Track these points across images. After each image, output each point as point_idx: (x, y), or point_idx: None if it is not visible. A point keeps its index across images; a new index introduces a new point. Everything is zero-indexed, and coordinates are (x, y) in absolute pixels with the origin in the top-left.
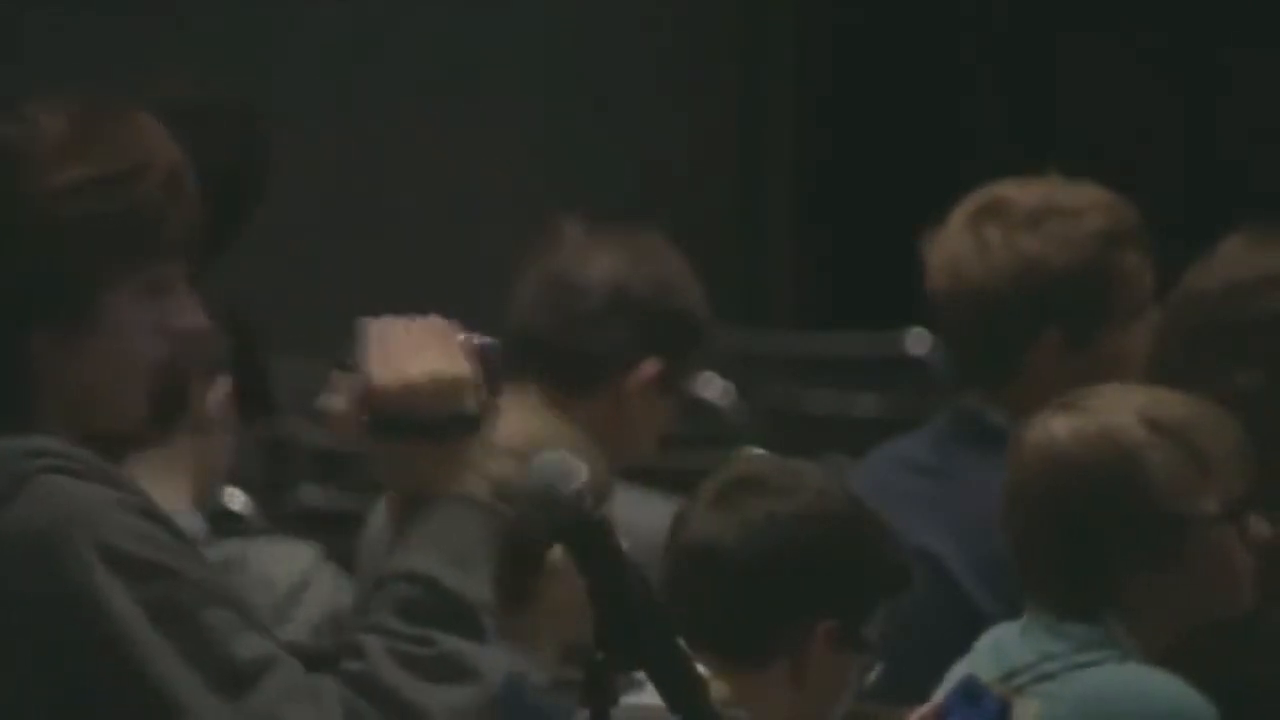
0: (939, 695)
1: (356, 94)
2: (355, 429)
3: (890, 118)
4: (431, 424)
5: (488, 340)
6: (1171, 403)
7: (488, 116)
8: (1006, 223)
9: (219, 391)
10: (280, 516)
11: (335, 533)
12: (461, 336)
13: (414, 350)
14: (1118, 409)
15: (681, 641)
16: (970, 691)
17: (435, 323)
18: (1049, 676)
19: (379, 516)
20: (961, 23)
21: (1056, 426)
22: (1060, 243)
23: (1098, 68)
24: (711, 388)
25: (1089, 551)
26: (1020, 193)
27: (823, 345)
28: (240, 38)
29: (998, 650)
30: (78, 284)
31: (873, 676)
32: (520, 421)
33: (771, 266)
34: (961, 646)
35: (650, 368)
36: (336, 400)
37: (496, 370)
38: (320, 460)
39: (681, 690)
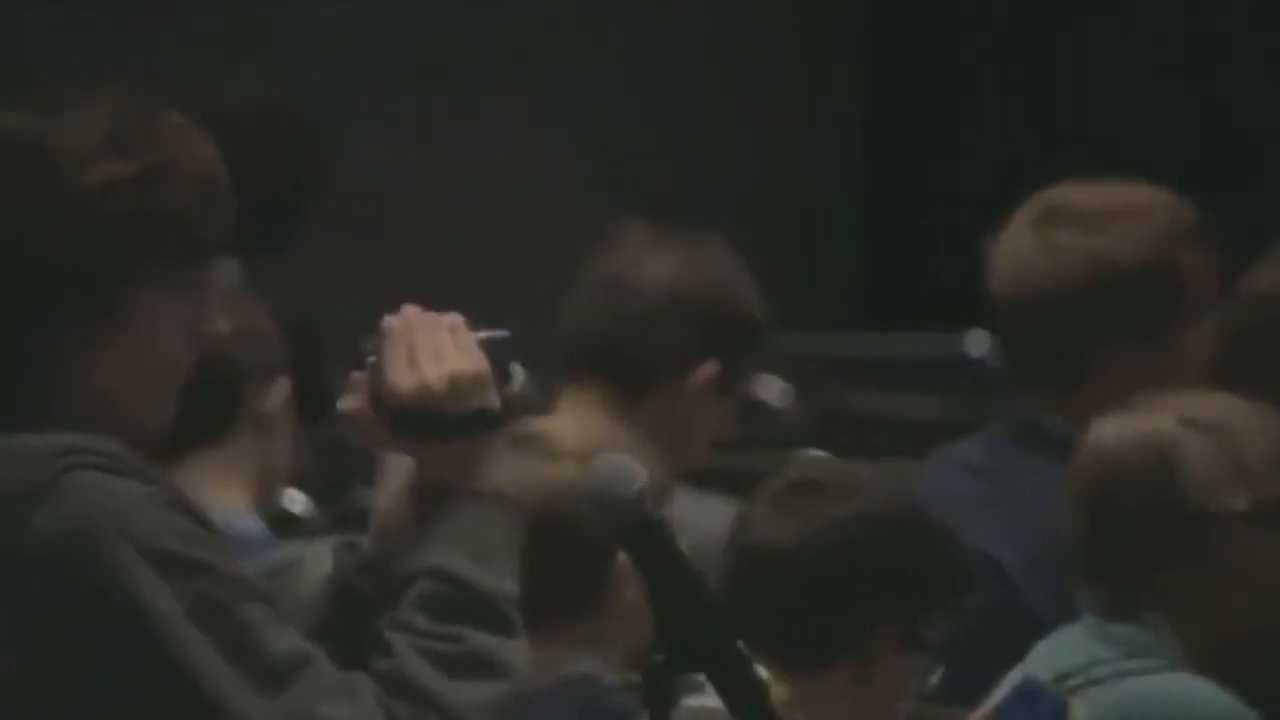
0: (996, 697)
1: (393, 96)
2: (372, 428)
3: (951, 119)
4: (450, 422)
5: (499, 334)
6: (1216, 404)
7: (537, 117)
8: (1075, 224)
9: (279, 393)
10: (339, 518)
11: None
12: (481, 334)
13: (432, 349)
14: (1163, 410)
15: (742, 644)
16: (1027, 692)
17: (451, 320)
18: (1097, 681)
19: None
20: (1024, 27)
21: (1107, 427)
22: (1133, 242)
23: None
24: (770, 390)
25: (1129, 549)
26: (1083, 195)
27: (881, 347)
28: (250, 37)
29: (1052, 653)
30: (108, 282)
31: (935, 679)
32: (580, 424)
33: (831, 268)
34: (1018, 649)
35: (708, 370)
36: (353, 400)
37: (508, 364)
38: (379, 461)
39: (742, 693)
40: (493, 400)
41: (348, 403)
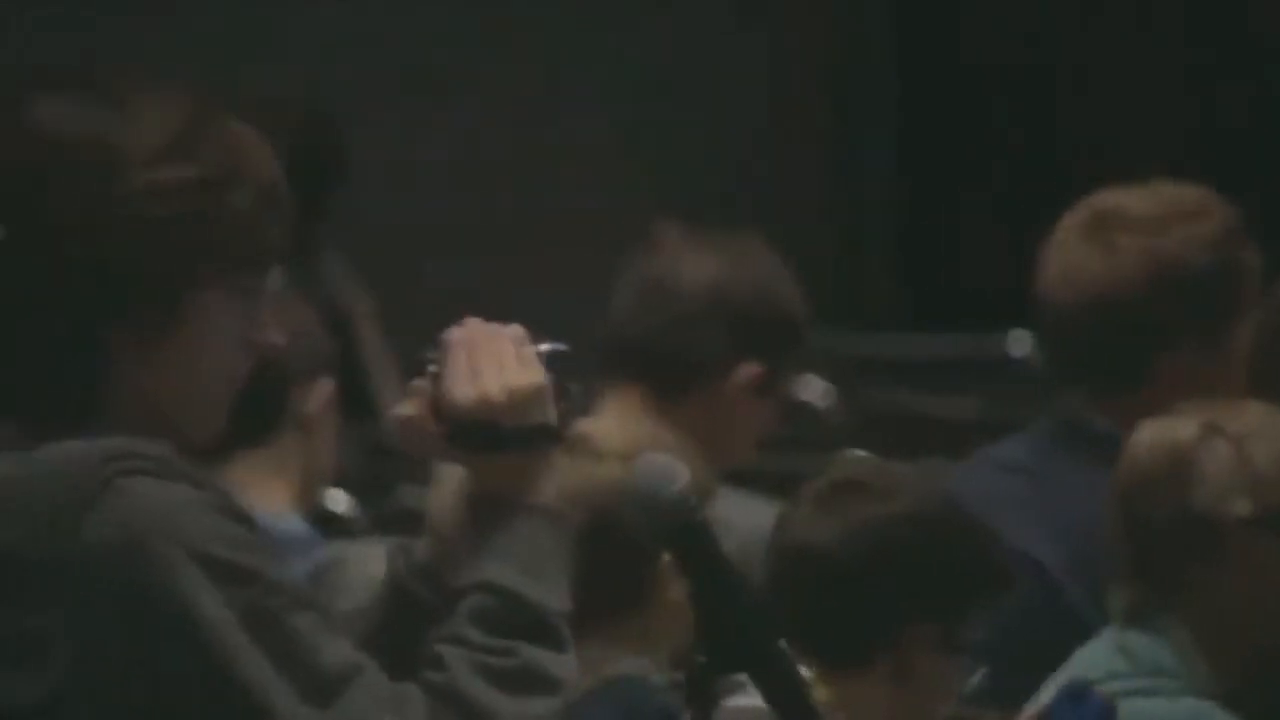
0: (1044, 697)
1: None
2: (426, 438)
3: (995, 118)
4: (508, 435)
5: (559, 347)
6: (1250, 413)
7: (571, 119)
8: (1133, 228)
9: (322, 393)
10: (382, 517)
11: None
12: (542, 346)
13: (492, 361)
14: (1192, 417)
15: (784, 643)
16: (1075, 694)
17: (513, 332)
18: (1113, 696)
19: None
20: (1069, 24)
21: (1142, 433)
22: (1195, 245)
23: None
24: (812, 390)
25: (1148, 554)
26: (1134, 198)
27: (923, 347)
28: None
29: (1076, 662)
30: (166, 284)
31: (976, 680)
32: (623, 425)
33: (872, 269)
34: (1060, 649)
35: (750, 370)
36: (410, 407)
37: (569, 378)
38: (422, 462)
39: (784, 692)
40: (551, 414)
41: (406, 410)
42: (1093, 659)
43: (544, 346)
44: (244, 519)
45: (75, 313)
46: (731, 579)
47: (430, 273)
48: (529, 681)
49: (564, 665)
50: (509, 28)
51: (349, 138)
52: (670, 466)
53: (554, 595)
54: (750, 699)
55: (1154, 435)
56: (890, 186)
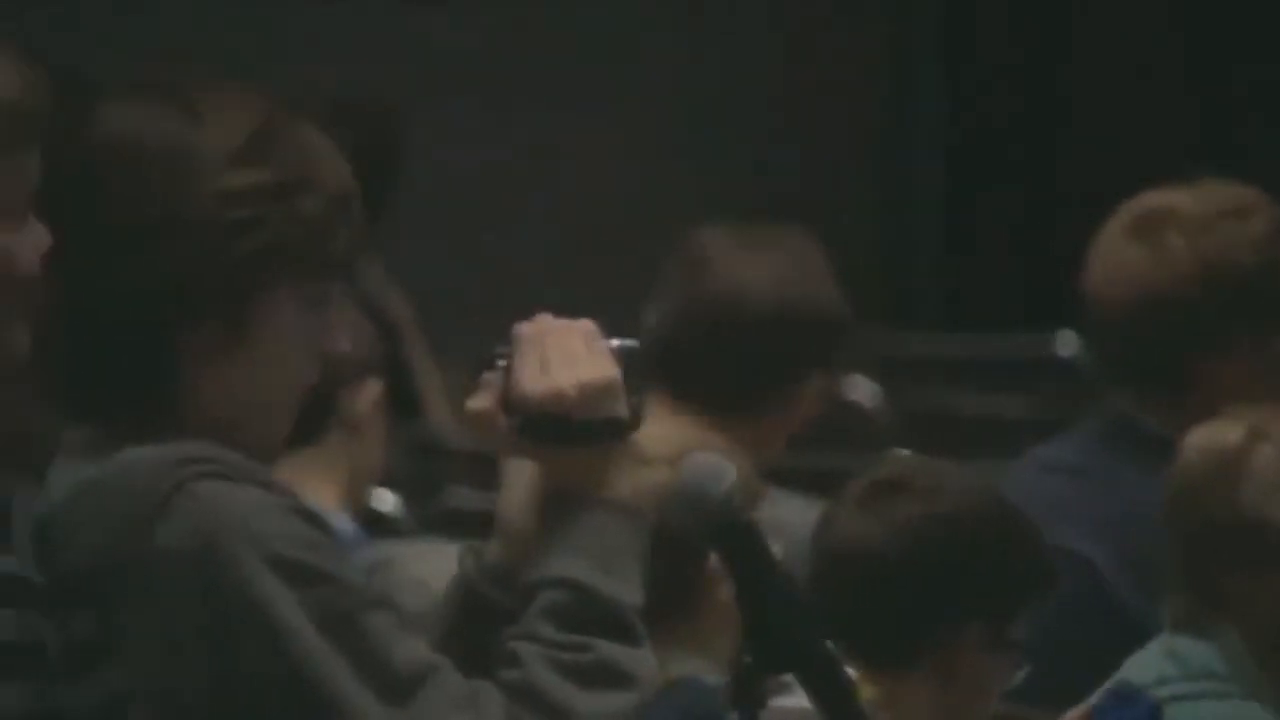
0: (1093, 698)
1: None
2: (499, 431)
3: (1040, 119)
4: (579, 430)
5: (630, 342)
6: None
7: (616, 120)
8: (1183, 227)
9: (370, 394)
10: (429, 518)
11: (485, 534)
12: (614, 342)
13: (564, 355)
14: (1240, 420)
15: (831, 644)
16: (1123, 694)
17: (584, 327)
18: (1163, 701)
19: None
20: (1108, 26)
21: (1193, 438)
22: (1244, 244)
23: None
24: (859, 390)
25: (1197, 559)
26: (1181, 198)
27: (970, 347)
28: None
29: (1129, 667)
30: (236, 289)
31: (1020, 676)
32: (670, 430)
33: (919, 268)
34: (1110, 648)
35: (817, 382)
36: (482, 401)
37: (639, 373)
38: (469, 461)
39: (831, 693)
40: (622, 409)
41: (477, 404)
42: (1143, 664)
43: (615, 342)
44: (315, 521)
45: (148, 318)
46: (778, 579)
47: (464, 273)
48: (604, 677)
49: (639, 660)
50: (639, 30)
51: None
52: (718, 466)
53: (628, 590)
54: (797, 699)
55: (1202, 441)
56: (937, 186)
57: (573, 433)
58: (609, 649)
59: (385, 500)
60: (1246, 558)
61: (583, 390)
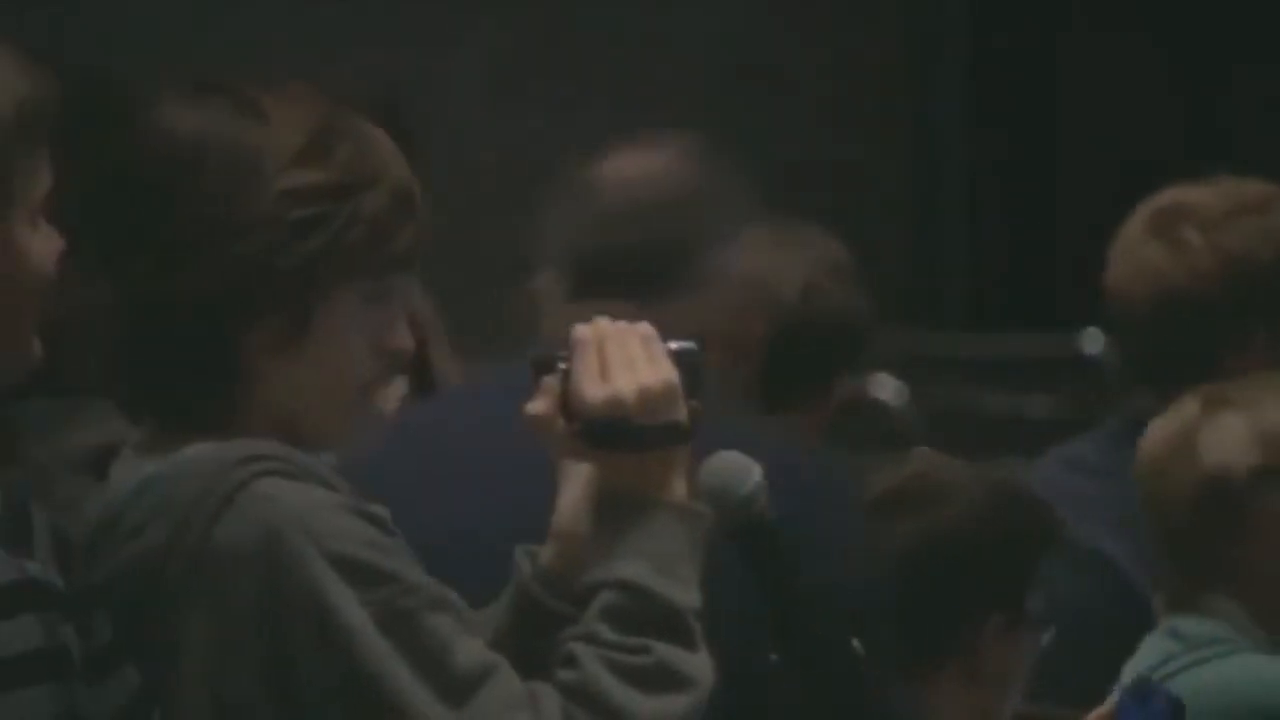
0: (1113, 697)
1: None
2: (556, 435)
3: (1065, 117)
4: (639, 435)
5: (690, 345)
6: (1259, 380)
7: (634, 117)
8: (1202, 224)
9: (395, 393)
10: None
11: None
12: (672, 344)
13: (622, 359)
14: (1194, 395)
15: (856, 643)
16: (1140, 691)
17: (644, 330)
18: (1171, 676)
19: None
20: (1136, 23)
21: (1151, 425)
22: (1262, 239)
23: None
24: (885, 389)
25: (1175, 536)
26: (1200, 194)
27: (995, 346)
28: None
29: (1134, 660)
30: (300, 288)
31: (1045, 640)
32: None
33: (944, 267)
34: (1133, 645)
35: (847, 386)
36: (541, 405)
37: (699, 376)
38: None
39: (855, 692)
40: (682, 412)
41: (536, 408)
42: (1147, 651)
43: (674, 344)
44: (377, 520)
45: (214, 318)
46: (802, 578)
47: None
48: (662, 679)
49: (697, 664)
50: (670, 30)
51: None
52: (742, 464)
53: (686, 592)
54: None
55: (1162, 421)
56: (963, 184)
57: (632, 437)
58: (667, 651)
59: None
60: (1222, 518)
61: (642, 394)
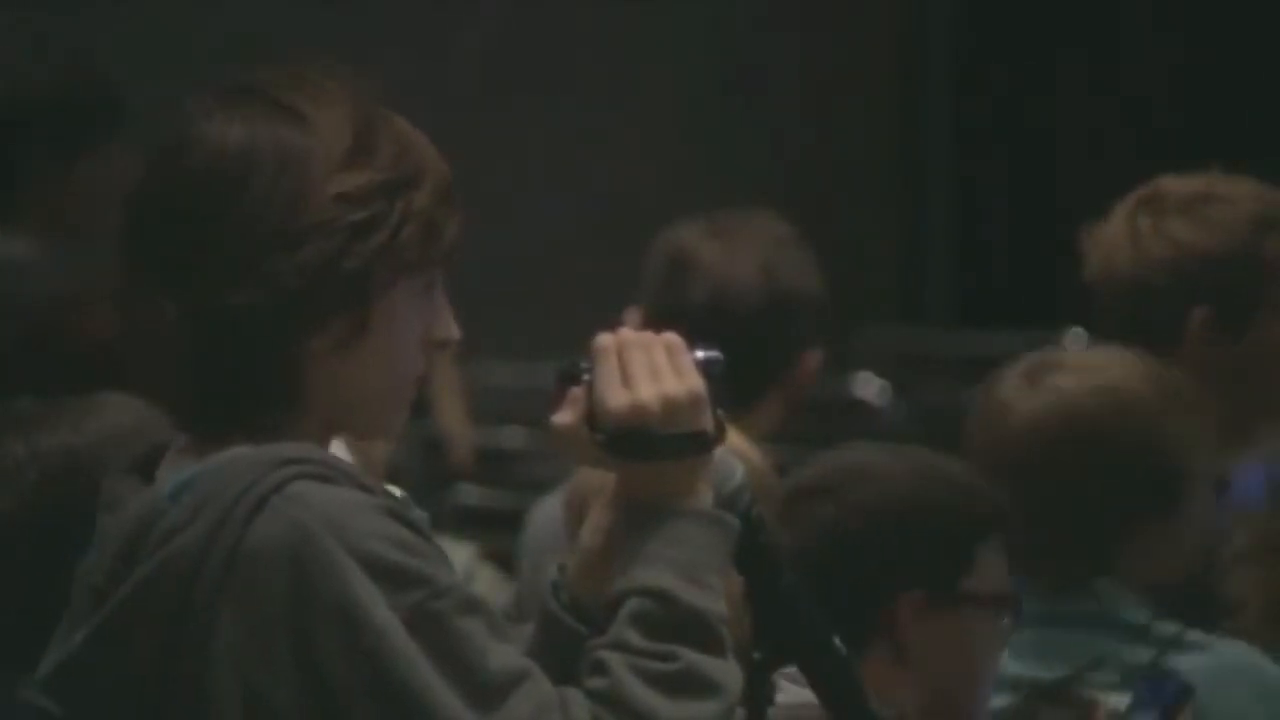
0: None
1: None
2: (581, 445)
3: (1052, 117)
4: (664, 445)
5: (713, 354)
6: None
7: (632, 115)
8: (1159, 212)
9: None
10: (438, 515)
11: (493, 531)
12: (696, 355)
13: (646, 368)
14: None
15: (838, 639)
16: (1155, 676)
17: (669, 340)
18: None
19: (541, 514)
20: (1126, 26)
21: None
22: (1210, 228)
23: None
24: (868, 387)
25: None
26: (1178, 183)
27: (981, 344)
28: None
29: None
30: (357, 288)
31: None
32: None
33: (930, 265)
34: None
35: (812, 359)
36: (566, 416)
37: (722, 385)
38: (477, 459)
39: (840, 689)
40: (707, 422)
41: (562, 419)
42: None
43: (699, 354)
44: (411, 523)
45: (275, 325)
46: (786, 575)
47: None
48: (691, 685)
49: (725, 671)
50: (662, 27)
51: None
52: (726, 462)
53: (713, 600)
54: (802, 692)
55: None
56: (950, 183)
57: (655, 447)
58: (695, 658)
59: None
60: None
61: (666, 403)
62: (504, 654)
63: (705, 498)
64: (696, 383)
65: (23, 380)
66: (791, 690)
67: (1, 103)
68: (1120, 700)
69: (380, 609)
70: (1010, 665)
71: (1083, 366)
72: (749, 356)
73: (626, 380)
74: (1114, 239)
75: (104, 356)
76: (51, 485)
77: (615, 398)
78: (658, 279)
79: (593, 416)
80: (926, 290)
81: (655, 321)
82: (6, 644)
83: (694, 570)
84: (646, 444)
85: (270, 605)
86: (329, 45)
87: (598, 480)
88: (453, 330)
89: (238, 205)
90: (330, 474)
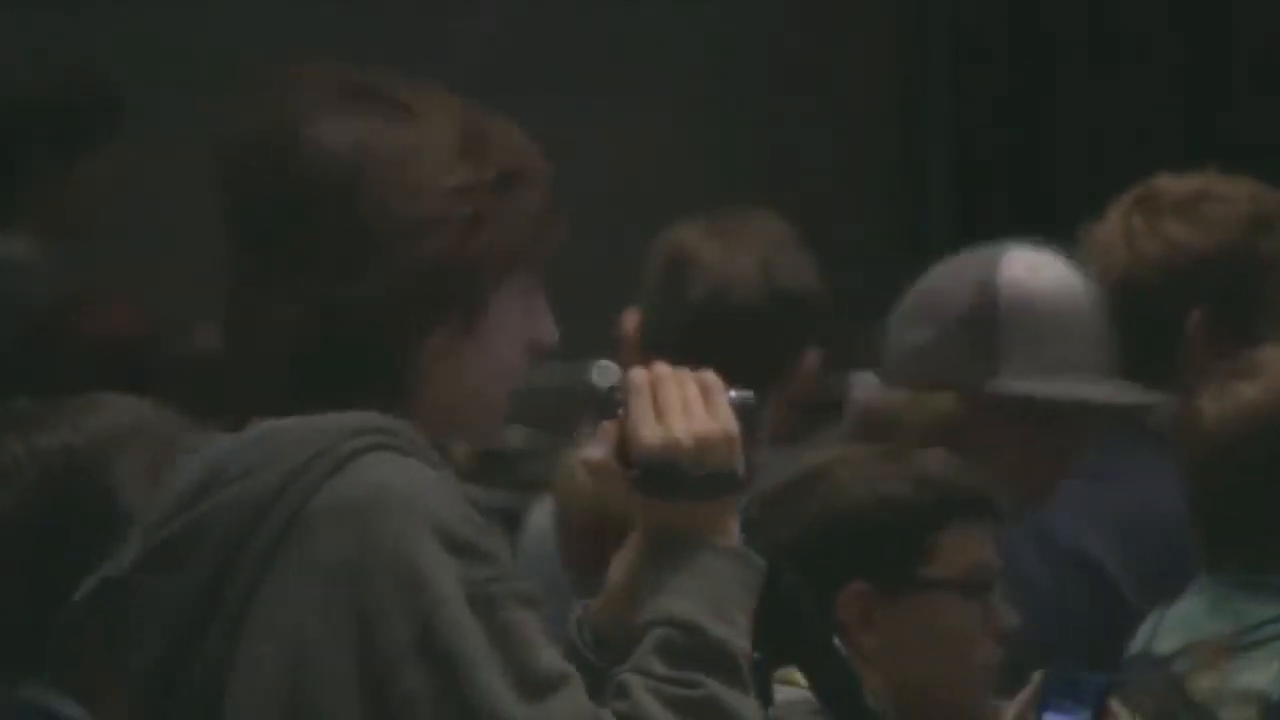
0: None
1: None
2: (613, 480)
3: (1054, 115)
4: (694, 482)
5: (747, 395)
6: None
7: (626, 111)
8: (1154, 210)
9: None
10: None
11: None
12: (731, 394)
13: (682, 406)
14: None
15: (837, 639)
16: (1067, 676)
17: (705, 378)
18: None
19: (538, 515)
20: (1127, 19)
21: (1239, 391)
22: (1206, 227)
23: None
24: (866, 387)
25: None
26: (1174, 183)
27: None
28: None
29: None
30: (473, 285)
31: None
32: None
33: (930, 265)
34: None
35: (812, 359)
36: (599, 449)
37: (754, 424)
38: (478, 459)
39: (837, 686)
40: (739, 463)
41: (593, 452)
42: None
43: (733, 393)
44: (480, 508)
45: (394, 320)
46: (784, 575)
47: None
48: (711, 713)
49: (747, 705)
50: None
51: None
52: None
53: (738, 636)
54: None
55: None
56: (950, 182)
57: (685, 485)
58: (718, 688)
59: None
60: None
61: (699, 441)
62: (552, 655)
63: (733, 535)
64: (730, 422)
65: (23, 380)
66: (784, 691)
67: (1, 103)
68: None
69: (446, 576)
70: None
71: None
72: (748, 356)
73: (659, 415)
74: (1109, 239)
75: (105, 356)
76: (51, 485)
77: (648, 433)
78: (657, 279)
79: (624, 451)
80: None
81: (655, 322)
82: (6, 644)
83: (721, 605)
84: (677, 481)
85: (333, 556)
86: (329, 45)
87: (587, 493)
88: (553, 333)
89: (353, 201)
90: (409, 449)
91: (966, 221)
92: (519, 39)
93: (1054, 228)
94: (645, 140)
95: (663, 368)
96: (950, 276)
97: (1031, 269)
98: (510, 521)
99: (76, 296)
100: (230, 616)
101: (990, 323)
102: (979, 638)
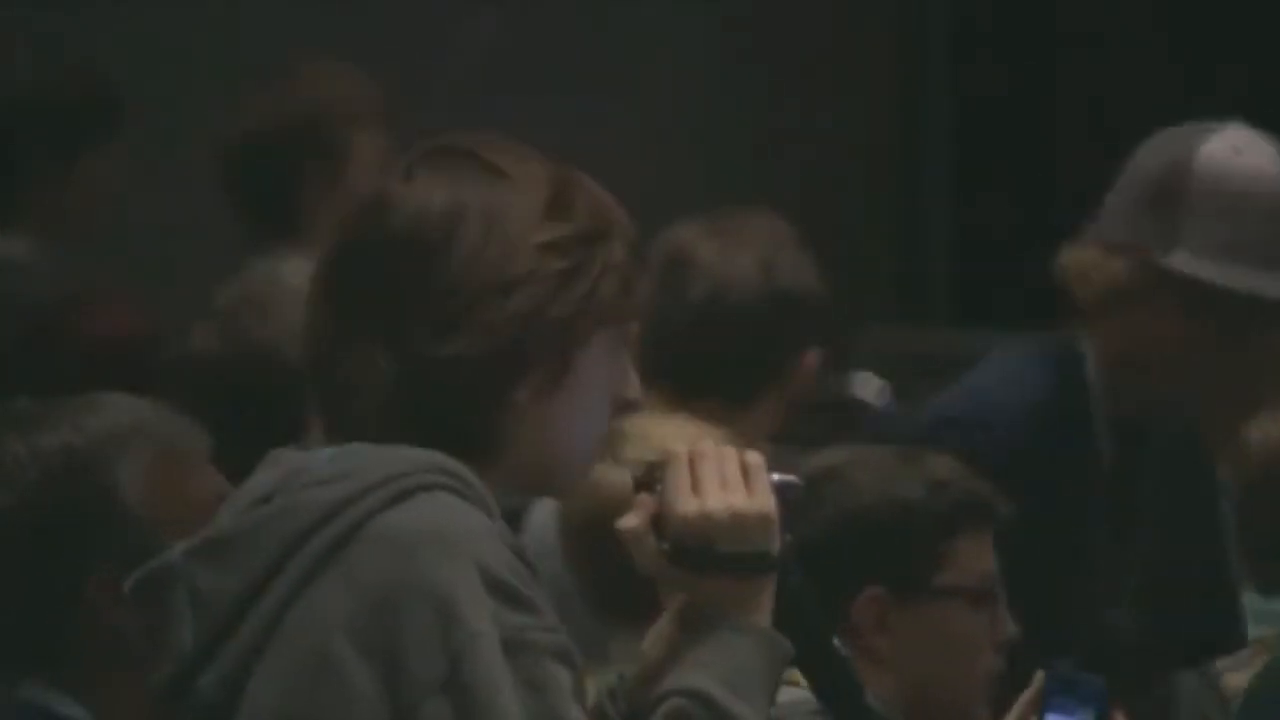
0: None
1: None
2: (649, 552)
3: (1053, 115)
4: (726, 560)
5: (791, 479)
6: None
7: (626, 111)
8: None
9: None
10: None
11: None
12: (774, 477)
13: (721, 483)
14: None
15: (837, 640)
16: (1066, 678)
17: (748, 456)
18: None
19: (540, 515)
20: (1125, 19)
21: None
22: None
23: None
24: (867, 387)
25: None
26: None
27: (981, 344)
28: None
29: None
30: (563, 339)
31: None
32: (672, 423)
33: (930, 265)
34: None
35: (811, 359)
36: (634, 519)
37: (794, 509)
38: None
39: (837, 689)
40: (773, 543)
41: (628, 521)
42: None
43: (775, 476)
44: (528, 562)
45: (489, 373)
46: (793, 574)
47: None
48: None
49: None
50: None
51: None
52: None
53: (753, 714)
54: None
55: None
56: (950, 181)
57: (719, 562)
58: None
59: None
60: None
61: (735, 519)
62: (578, 714)
63: (765, 614)
64: (768, 503)
65: (23, 380)
66: (784, 691)
67: (1, 103)
68: None
69: (483, 615)
70: None
71: None
72: (748, 356)
73: (696, 489)
74: (1086, 251)
75: (105, 356)
76: (51, 484)
77: (684, 506)
78: (657, 278)
79: (660, 523)
80: (926, 290)
81: (655, 321)
82: (6, 644)
83: (738, 682)
84: (709, 558)
85: (375, 579)
86: (329, 45)
87: (588, 493)
88: (637, 390)
89: (447, 259)
90: (471, 496)
91: (966, 225)
92: (519, 39)
93: (1054, 230)
94: (645, 140)
95: (705, 444)
96: (1162, 141)
97: (1236, 148)
98: (512, 521)
99: (76, 296)
100: (265, 617)
101: (1178, 195)
102: (985, 646)
